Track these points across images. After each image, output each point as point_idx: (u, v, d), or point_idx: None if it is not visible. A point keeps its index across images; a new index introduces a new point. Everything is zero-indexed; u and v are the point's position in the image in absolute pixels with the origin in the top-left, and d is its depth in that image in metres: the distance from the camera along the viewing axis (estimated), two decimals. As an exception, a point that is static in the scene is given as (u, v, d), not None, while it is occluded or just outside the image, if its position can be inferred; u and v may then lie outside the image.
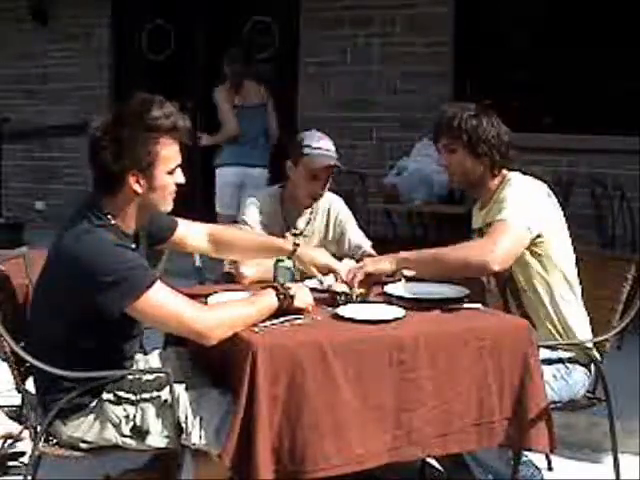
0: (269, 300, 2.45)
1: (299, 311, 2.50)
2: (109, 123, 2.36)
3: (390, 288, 2.85)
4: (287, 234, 3.34)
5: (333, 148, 3.29)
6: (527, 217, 2.78)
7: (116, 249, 2.30)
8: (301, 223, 3.37)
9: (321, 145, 3.25)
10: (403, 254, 2.79)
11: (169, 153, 2.38)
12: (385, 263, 2.80)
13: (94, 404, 2.44)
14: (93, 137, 2.35)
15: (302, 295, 2.53)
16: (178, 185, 2.45)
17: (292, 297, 2.48)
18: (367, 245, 3.36)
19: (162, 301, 2.30)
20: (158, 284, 2.31)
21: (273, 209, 3.34)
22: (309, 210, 3.37)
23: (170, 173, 2.40)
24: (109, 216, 2.38)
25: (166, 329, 2.35)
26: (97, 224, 2.35)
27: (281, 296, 2.46)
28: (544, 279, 2.86)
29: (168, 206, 2.47)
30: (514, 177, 2.93)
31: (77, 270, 2.28)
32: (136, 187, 2.36)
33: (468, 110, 2.91)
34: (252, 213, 3.30)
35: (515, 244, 2.75)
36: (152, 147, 2.33)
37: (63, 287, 2.33)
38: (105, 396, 2.43)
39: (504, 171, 2.95)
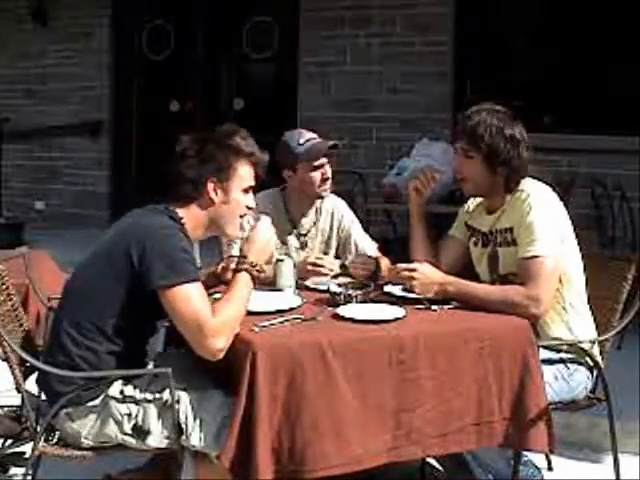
0: (247, 285, 2.47)
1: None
2: (198, 137, 2.61)
3: (390, 288, 2.86)
4: (292, 236, 3.34)
5: (315, 135, 3.30)
6: (556, 244, 2.75)
7: (179, 233, 2.46)
8: (306, 224, 3.36)
9: (306, 137, 3.26)
10: (450, 287, 2.72)
11: (245, 173, 2.61)
12: (432, 287, 2.74)
13: (99, 400, 2.45)
14: (181, 146, 2.57)
15: (257, 252, 2.54)
16: (249, 209, 2.64)
17: (258, 267, 2.51)
18: (373, 248, 3.36)
19: (195, 300, 2.35)
20: (199, 284, 2.39)
21: (277, 210, 3.33)
22: (313, 210, 3.36)
23: (244, 192, 2.60)
24: (179, 214, 2.53)
25: (183, 326, 2.35)
26: (165, 213, 2.50)
27: (254, 273, 2.49)
28: (557, 290, 2.81)
29: (236, 230, 2.64)
30: (528, 188, 2.84)
31: (141, 236, 2.39)
32: (213, 195, 2.56)
33: (496, 120, 2.82)
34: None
35: (554, 281, 2.75)
36: (232, 163, 2.57)
37: (123, 253, 2.39)
38: (111, 393, 2.44)
39: None
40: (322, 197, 3.32)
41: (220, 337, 2.32)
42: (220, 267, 2.84)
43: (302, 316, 2.53)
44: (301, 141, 3.24)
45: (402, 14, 7.09)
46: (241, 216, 2.62)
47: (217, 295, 2.62)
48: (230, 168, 2.56)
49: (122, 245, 2.41)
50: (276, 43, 8.00)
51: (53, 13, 8.71)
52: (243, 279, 2.48)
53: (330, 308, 2.64)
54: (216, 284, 2.83)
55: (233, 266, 2.68)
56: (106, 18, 8.56)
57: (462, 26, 6.92)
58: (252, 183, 2.63)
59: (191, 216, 2.55)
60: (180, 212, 2.54)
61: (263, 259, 2.54)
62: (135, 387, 2.46)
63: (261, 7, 8.09)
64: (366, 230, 3.50)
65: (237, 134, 2.61)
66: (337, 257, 3.34)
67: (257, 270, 2.49)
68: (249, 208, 2.64)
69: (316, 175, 3.24)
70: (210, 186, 2.54)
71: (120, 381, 2.46)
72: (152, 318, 2.53)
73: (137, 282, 2.37)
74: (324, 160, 3.25)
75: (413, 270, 2.74)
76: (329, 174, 3.27)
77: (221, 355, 2.33)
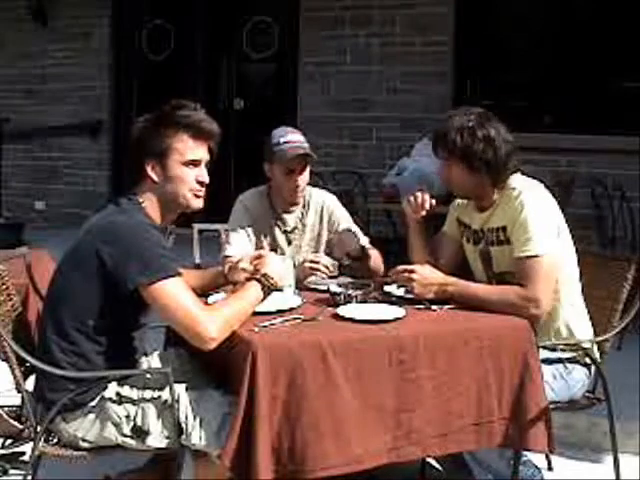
0: (256, 293, 2.48)
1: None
2: (140, 121, 2.55)
3: (390, 288, 2.85)
4: (277, 231, 3.34)
5: (303, 139, 3.27)
6: (552, 241, 2.75)
7: (150, 228, 2.42)
8: (291, 220, 3.36)
9: (289, 139, 3.24)
10: (450, 287, 2.72)
11: (183, 146, 2.50)
12: (431, 288, 2.73)
13: (95, 402, 2.45)
14: (129, 133, 2.55)
15: (279, 272, 2.55)
16: (202, 184, 2.54)
17: (273, 283, 2.51)
18: (365, 242, 3.34)
19: (178, 294, 2.33)
20: (180, 278, 2.37)
21: (263, 207, 3.34)
22: (300, 206, 3.36)
23: (186, 165, 2.51)
24: (141, 201, 2.50)
25: (171, 321, 2.36)
26: (129, 206, 2.47)
27: (265, 288, 2.49)
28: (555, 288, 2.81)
29: (192, 202, 2.55)
30: (519, 186, 2.85)
31: (110, 237, 2.36)
32: (152, 174, 2.49)
33: (467, 121, 2.83)
34: (238, 222, 3.29)
35: (552, 280, 2.74)
36: (165, 138, 2.49)
37: (92, 254, 2.36)
38: (107, 394, 2.44)
39: None
40: (295, 203, 3.31)
41: (211, 325, 2.31)
42: (227, 267, 2.83)
43: (302, 316, 2.53)
44: (281, 140, 3.22)
45: (402, 14, 7.10)
46: (194, 192, 2.53)
47: (224, 294, 2.63)
48: (163, 144, 2.48)
49: (90, 246, 2.38)
50: (276, 43, 8.00)
51: (53, 13, 8.71)
52: (252, 285, 2.49)
53: (330, 308, 2.64)
54: (225, 283, 2.82)
55: (242, 265, 2.68)
56: (106, 18, 8.57)
57: (462, 26, 6.92)
58: (195, 155, 2.51)
59: (147, 201, 2.52)
60: (140, 198, 2.52)
61: (278, 278, 2.53)
62: (131, 387, 2.45)
63: (261, 7, 8.09)
64: (366, 230, 3.49)
65: (180, 108, 2.52)
66: (327, 254, 3.32)
67: (271, 283, 2.49)
68: (200, 183, 2.54)
69: (286, 181, 3.22)
70: (149, 167, 2.49)
71: (115, 382, 2.46)
72: (133, 314, 2.51)
73: (114, 283, 2.35)
74: (296, 166, 3.20)
75: (412, 271, 2.75)
76: (300, 183, 3.23)
77: (214, 344, 2.32)
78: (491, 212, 2.91)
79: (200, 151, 2.53)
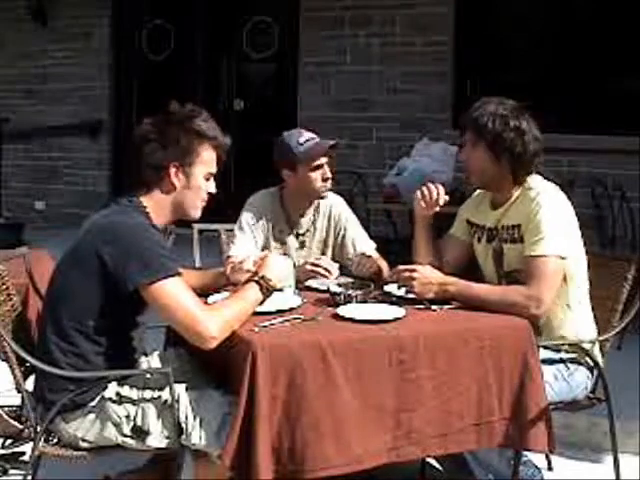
0: (255, 295, 2.48)
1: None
2: (159, 119, 2.52)
3: (390, 288, 2.85)
4: (290, 236, 3.34)
5: (314, 134, 3.29)
6: (563, 243, 2.75)
7: (150, 228, 2.43)
8: (304, 224, 3.36)
9: (306, 137, 3.25)
10: (451, 287, 2.71)
11: (209, 157, 2.55)
12: (432, 288, 2.72)
13: (95, 402, 2.45)
14: (142, 130, 2.51)
15: (278, 274, 2.55)
16: (209, 194, 2.58)
17: (272, 285, 2.51)
18: (371, 248, 3.35)
19: (178, 293, 2.34)
20: (180, 278, 2.37)
21: (274, 209, 3.34)
22: (312, 209, 3.36)
23: (206, 178, 2.55)
24: (143, 204, 2.49)
25: (172, 321, 2.36)
26: (130, 207, 2.47)
27: (264, 290, 2.49)
28: (563, 289, 2.82)
29: (197, 212, 2.59)
30: (537, 186, 2.85)
31: (110, 237, 2.36)
32: (175, 180, 2.50)
33: (502, 110, 2.83)
34: (246, 223, 3.29)
35: (557, 281, 2.74)
36: (195, 147, 2.51)
37: (92, 254, 2.36)
38: (107, 394, 2.44)
39: None
40: (322, 197, 3.32)
41: (211, 324, 2.31)
42: (229, 268, 2.84)
43: (302, 316, 2.53)
44: (301, 140, 3.23)
45: (402, 14, 7.09)
46: (203, 202, 2.58)
47: (225, 294, 2.63)
48: (193, 152, 2.50)
49: (90, 246, 2.38)
50: (276, 43, 8.00)
51: (53, 13, 8.71)
52: (251, 286, 2.49)
53: (330, 308, 2.64)
54: (227, 284, 2.83)
55: (246, 267, 2.68)
56: (106, 18, 8.56)
57: (462, 26, 6.92)
58: (214, 169, 2.57)
59: (154, 203, 2.51)
60: (144, 200, 2.50)
61: (277, 280, 2.53)
62: (131, 387, 2.45)
63: (261, 7, 8.09)
64: (366, 230, 3.49)
65: (198, 116, 2.53)
66: (333, 257, 3.32)
67: (270, 285, 2.49)
68: (210, 194, 2.58)
69: (316, 175, 3.23)
70: (172, 171, 2.48)
71: (115, 382, 2.46)
72: (132, 314, 2.51)
73: (114, 283, 2.34)
74: (324, 160, 3.24)
75: (413, 271, 2.74)
76: (329, 174, 3.26)
77: (214, 344, 2.32)
78: (506, 208, 2.90)
79: (216, 162, 2.58)
